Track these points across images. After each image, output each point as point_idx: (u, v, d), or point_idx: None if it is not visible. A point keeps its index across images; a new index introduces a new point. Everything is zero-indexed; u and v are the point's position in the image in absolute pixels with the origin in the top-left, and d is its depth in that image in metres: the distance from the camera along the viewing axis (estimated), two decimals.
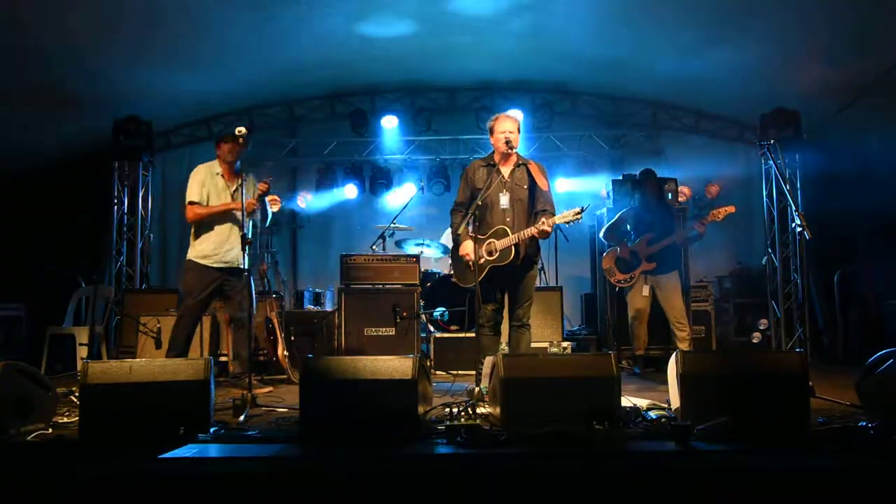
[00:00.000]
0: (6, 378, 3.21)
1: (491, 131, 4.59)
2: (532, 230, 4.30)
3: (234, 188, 5.06)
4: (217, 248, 4.95)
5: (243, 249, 4.32)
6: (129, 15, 5.92)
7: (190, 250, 5.02)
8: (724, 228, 6.43)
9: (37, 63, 6.30)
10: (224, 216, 4.96)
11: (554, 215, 4.40)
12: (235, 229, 4.96)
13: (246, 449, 3.00)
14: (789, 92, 7.26)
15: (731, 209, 5.69)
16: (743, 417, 3.00)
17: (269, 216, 5.20)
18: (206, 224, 4.96)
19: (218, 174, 5.00)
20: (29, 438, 3.07)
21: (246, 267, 4.93)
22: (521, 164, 4.56)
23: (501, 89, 8.91)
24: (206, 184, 4.98)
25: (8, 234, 8.05)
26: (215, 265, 4.92)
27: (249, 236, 4.55)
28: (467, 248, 4.40)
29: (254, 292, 5.09)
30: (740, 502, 2.57)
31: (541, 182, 4.48)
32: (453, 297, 6.58)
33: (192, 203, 4.96)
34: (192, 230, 5.03)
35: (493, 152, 4.61)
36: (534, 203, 4.51)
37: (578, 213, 4.21)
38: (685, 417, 3.12)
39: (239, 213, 4.93)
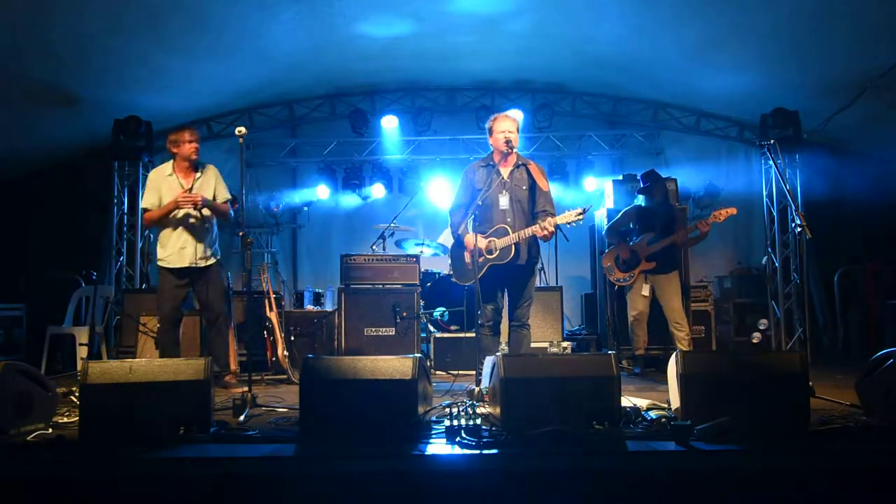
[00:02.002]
0: (6, 378, 3.21)
1: (490, 131, 4.59)
2: (535, 229, 4.30)
3: (189, 185, 4.99)
4: (171, 249, 4.95)
5: (244, 250, 4.32)
6: (129, 15, 5.91)
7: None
8: (724, 229, 6.45)
9: (37, 63, 6.29)
10: (171, 215, 4.94)
11: (554, 215, 4.40)
12: (183, 228, 4.95)
13: (246, 449, 2.99)
14: (789, 92, 7.27)
15: (733, 211, 5.69)
16: (743, 417, 3.00)
17: (231, 213, 5.16)
18: (161, 226, 4.99)
19: (170, 175, 4.96)
20: (29, 438, 3.07)
21: (208, 264, 4.98)
22: (521, 164, 4.55)
23: (501, 89, 8.92)
24: (159, 188, 4.97)
25: (8, 234, 8.06)
26: (173, 266, 4.93)
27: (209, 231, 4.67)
28: (471, 239, 4.38)
29: (229, 288, 5.11)
30: (740, 502, 2.57)
31: (541, 182, 4.47)
32: (453, 297, 6.58)
33: (144, 210, 5.05)
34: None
35: (493, 153, 4.60)
36: (534, 203, 4.51)
37: (581, 214, 4.21)
38: (685, 417, 3.11)
39: (183, 212, 4.93)
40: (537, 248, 4.59)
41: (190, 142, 4.91)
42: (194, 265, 4.94)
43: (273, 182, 9.29)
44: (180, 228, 4.94)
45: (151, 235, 8.16)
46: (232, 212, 5.18)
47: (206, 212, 4.95)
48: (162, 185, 4.96)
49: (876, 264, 7.74)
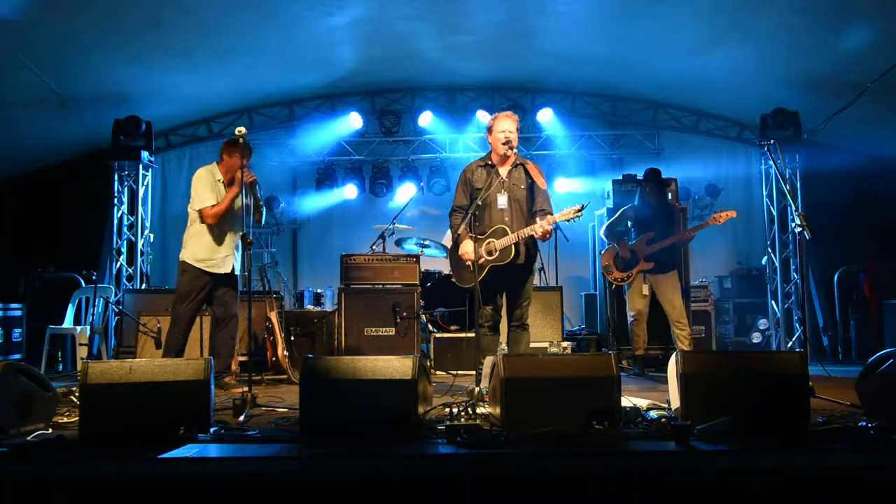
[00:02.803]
0: (6, 378, 3.21)
1: (489, 130, 4.58)
2: (533, 229, 4.29)
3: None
4: (212, 253, 4.88)
5: (244, 250, 4.32)
6: (129, 15, 5.92)
7: (184, 251, 4.93)
8: (724, 229, 6.46)
9: (37, 63, 6.29)
10: (222, 221, 4.90)
11: (552, 214, 4.40)
12: (231, 234, 4.95)
13: (246, 449, 2.99)
14: (789, 92, 7.27)
15: (733, 214, 5.69)
16: (743, 417, 3.00)
17: (264, 213, 5.17)
18: (216, 227, 4.88)
19: (219, 180, 4.94)
20: (29, 438, 3.07)
21: (238, 272, 4.97)
22: (519, 163, 4.55)
23: (501, 89, 8.92)
24: (212, 187, 4.91)
25: (8, 234, 8.06)
26: (209, 269, 4.88)
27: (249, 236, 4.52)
28: (467, 247, 4.39)
29: (238, 293, 5.09)
30: (740, 502, 2.57)
31: (539, 181, 4.48)
32: (453, 297, 6.58)
33: (211, 207, 4.85)
34: (190, 230, 4.94)
35: (491, 152, 4.60)
36: (532, 203, 4.51)
37: (579, 211, 4.21)
38: (685, 417, 3.11)
39: (233, 217, 4.94)
40: (536, 247, 4.59)
41: (243, 159, 4.78)
42: (231, 272, 4.96)
43: (273, 182, 9.29)
44: (229, 235, 4.93)
45: (151, 236, 8.17)
46: (264, 216, 5.16)
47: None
48: (214, 186, 4.92)
49: (875, 264, 7.74)
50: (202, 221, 4.88)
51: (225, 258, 4.92)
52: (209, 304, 5.10)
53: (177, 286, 5.00)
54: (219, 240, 4.89)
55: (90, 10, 5.76)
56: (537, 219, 4.37)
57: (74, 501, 2.59)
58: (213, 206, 4.83)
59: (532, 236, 4.38)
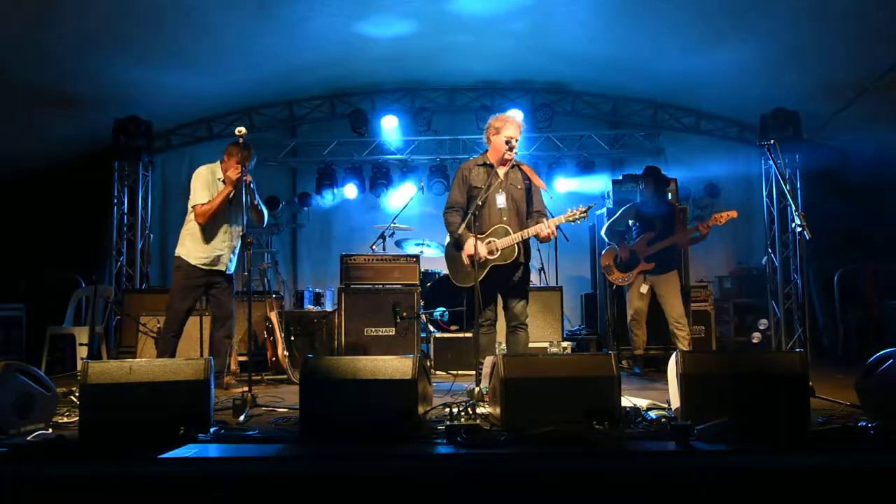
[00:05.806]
0: (6, 378, 3.21)
1: (496, 131, 4.55)
2: (538, 229, 4.30)
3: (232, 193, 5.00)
4: (205, 250, 4.88)
5: (244, 250, 4.31)
6: (129, 15, 5.91)
7: (179, 247, 4.94)
8: (724, 229, 6.45)
9: (37, 63, 6.29)
10: (217, 217, 4.91)
11: (546, 215, 4.42)
12: (228, 233, 4.96)
13: (246, 449, 3.00)
14: (789, 92, 7.26)
15: (734, 214, 5.67)
16: (743, 417, 3.00)
17: (266, 215, 5.17)
18: (210, 225, 4.89)
19: (220, 179, 4.96)
20: (29, 438, 3.07)
21: (232, 271, 4.97)
22: (515, 164, 4.57)
23: (501, 89, 8.91)
24: (210, 186, 4.93)
25: (8, 235, 8.06)
26: (203, 266, 4.89)
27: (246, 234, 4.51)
28: (471, 245, 4.36)
29: (234, 292, 5.10)
30: (740, 502, 2.57)
31: (537, 182, 4.52)
32: (453, 297, 6.58)
33: (197, 205, 4.87)
34: (186, 227, 4.95)
35: (487, 152, 4.61)
36: (530, 203, 4.53)
37: (584, 212, 4.23)
38: (685, 417, 3.12)
39: (231, 216, 4.95)
40: (530, 247, 4.61)
41: (242, 160, 4.77)
42: (226, 270, 4.97)
43: (273, 182, 9.29)
44: (224, 232, 4.93)
45: (152, 236, 8.17)
46: (266, 214, 5.15)
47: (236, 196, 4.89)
48: (213, 186, 4.93)
49: (875, 264, 7.74)
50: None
51: (218, 256, 4.93)
52: (206, 303, 5.11)
53: (172, 283, 5.01)
54: (211, 238, 4.90)
55: (91, 10, 5.76)
56: (542, 219, 4.39)
57: (74, 501, 2.59)
58: (204, 204, 4.85)
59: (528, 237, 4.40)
